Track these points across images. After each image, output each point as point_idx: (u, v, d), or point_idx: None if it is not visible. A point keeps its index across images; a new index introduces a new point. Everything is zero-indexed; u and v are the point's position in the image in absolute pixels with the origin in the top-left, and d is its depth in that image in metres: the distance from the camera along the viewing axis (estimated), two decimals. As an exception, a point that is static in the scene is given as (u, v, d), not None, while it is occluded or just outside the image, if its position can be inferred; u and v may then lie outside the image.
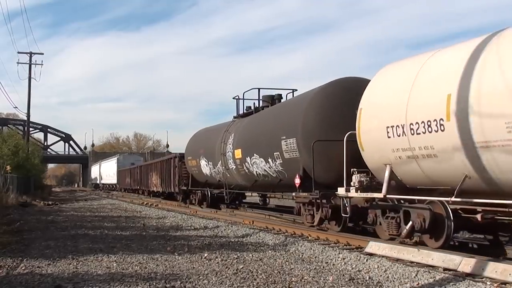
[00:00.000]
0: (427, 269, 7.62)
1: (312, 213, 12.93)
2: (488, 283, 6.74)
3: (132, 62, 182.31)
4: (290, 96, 16.91)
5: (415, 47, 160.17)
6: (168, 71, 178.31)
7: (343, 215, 11.17)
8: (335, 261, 8.92)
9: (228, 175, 18.57)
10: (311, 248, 10.17)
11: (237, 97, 19.10)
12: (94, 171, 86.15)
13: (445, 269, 7.63)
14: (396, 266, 8.03)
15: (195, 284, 7.01)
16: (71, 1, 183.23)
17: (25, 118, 47.93)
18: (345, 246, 10.48)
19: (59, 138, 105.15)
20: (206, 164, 21.03)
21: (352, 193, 10.47)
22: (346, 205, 10.83)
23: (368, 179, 10.32)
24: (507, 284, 6.62)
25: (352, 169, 10.53)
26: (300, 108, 13.13)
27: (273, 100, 17.46)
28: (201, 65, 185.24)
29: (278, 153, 13.89)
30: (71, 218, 18.87)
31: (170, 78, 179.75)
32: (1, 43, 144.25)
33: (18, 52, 46.01)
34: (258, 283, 7.11)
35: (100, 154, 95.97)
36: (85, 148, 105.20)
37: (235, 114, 19.44)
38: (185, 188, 25.52)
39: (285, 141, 13.41)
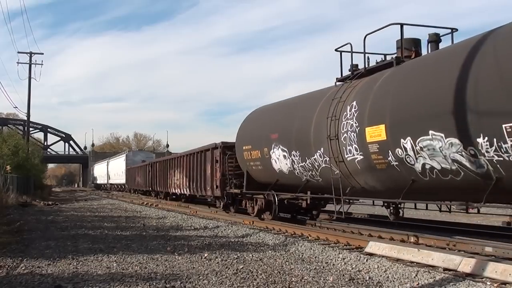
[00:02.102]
0: (427, 269, 7.63)
1: None
2: (488, 283, 6.74)
3: (132, 62, 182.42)
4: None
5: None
6: (168, 71, 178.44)
7: None
8: (335, 261, 8.92)
9: (343, 172, 11.28)
10: (311, 248, 10.18)
11: (341, 50, 12.35)
12: (98, 170, 79.32)
13: (445, 269, 7.64)
14: (396, 266, 8.03)
15: (195, 284, 7.01)
16: (72, 1, 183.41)
17: (25, 118, 47.87)
18: (345, 246, 10.49)
19: (59, 138, 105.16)
20: (284, 156, 13.82)
21: None
22: None
23: None
24: (507, 284, 6.62)
25: None
26: None
27: (418, 46, 11.38)
28: (202, 65, 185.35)
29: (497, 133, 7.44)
30: (71, 218, 18.87)
31: (170, 78, 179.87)
32: (1, 43, 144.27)
33: (18, 52, 46.00)
34: (258, 283, 7.11)
35: (100, 154, 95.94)
36: (85, 148, 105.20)
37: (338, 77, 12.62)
38: (237, 191, 17.44)
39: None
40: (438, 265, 7.86)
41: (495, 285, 6.65)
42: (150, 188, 36.89)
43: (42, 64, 45.83)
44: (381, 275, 7.63)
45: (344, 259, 8.97)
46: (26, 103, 48.39)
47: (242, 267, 8.29)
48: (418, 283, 7.05)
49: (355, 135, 10.66)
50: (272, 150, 14.46)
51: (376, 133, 10.02)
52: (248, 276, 7.61)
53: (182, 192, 26.29)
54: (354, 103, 10.78)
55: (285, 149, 13.76)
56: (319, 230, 12.51)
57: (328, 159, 11.68)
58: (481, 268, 7.19)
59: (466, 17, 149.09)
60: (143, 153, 63.45)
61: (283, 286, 6.95)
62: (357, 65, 12.20)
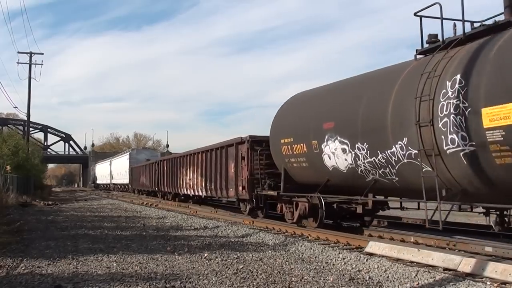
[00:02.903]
0: (427, 269, 7.63)
1: None
2: (488, 283, 6.74)
3: (132, 62, 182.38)
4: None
5: (416, 47, 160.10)
6: (168, 71, 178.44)
7: None
8: (335, 261, 8.92)
9: (438, 169, 8.68)
10: (311, 248, 10.18)
11: (421, 15, 10.40)
12: (100, 169, 76.10)
13: (445, 269, 7.64)
14: (396, 266, 8.03)
15: (195, 284, 7.01)
16: (72, 1, 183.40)
17: (25, 118, 47.86)
18: (345, 246, 10.49)
19: (59, 138, 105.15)
20: (342, 150, 11.18)
21: None
22: None
23: None
24: (507, 284, 6.62)
25: None
26: None
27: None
28: (202, 65, 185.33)
29: None
30: (71, 218, 18.87)
31: (171, 78, 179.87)
32: (1, 43, 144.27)
33: (18, 52, 45.96)
34: (258, 283, 7.12)
35: (100, 154, 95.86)
36: (85, 148, 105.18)
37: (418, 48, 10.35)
38: (272, 193, 14.70)
39: None
40: (438, 265, 7.87)
41: (495, 285, 6.65)
42: (157, 189, 34.18)
43: (42, 64, 45.86)
44: (381, 275, 7.63)
45: (344, 259, 8.97)
46: (26, 103, 48.53)
47: (242, 267, 8.29)
48: (418, 283, 7.05)
49: (462, 119, 8.15)
50: (324, 143, 11.76)
51: (502, 114, 7.47)
52: (248, 276, 7.61)
53: (196, 193, 23.33)
54: (458, 77, 8.36)
55: (345, 141, 11.05)
56: (319, 230, 12.50)
57: (415, 152, 9.12)
58: (481, 268, 7.19)
59: (467, 17, 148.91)
60: (147, 151, 59.26)
61: (283, 286, 6.95)
62: (436, 35, 10.12)
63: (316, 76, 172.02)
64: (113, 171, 62.82)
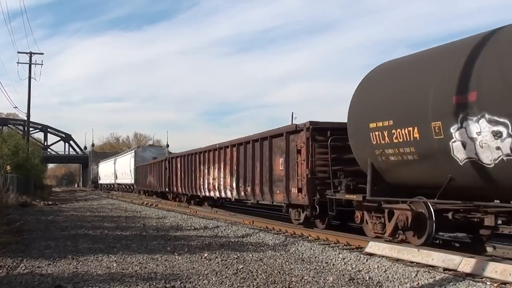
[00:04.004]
0: (427, 269, 7.64)
1: None
2: (488, 283, 6.75)
3: (132, 62, 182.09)
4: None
5: (416, 47, 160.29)
6: (168, 71, 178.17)
7: None
8: (335, 261, 8.93)
9: None
10: (311, 248, 10.18)
11: None
12: (104, 168, 72.26)
13: (445, 269, 7.65)
14: (396, 266, 8.04)
15: (195, 284, 7.01)
16: (72, 1, 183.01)
17: (25, 118, 47.88)
18: (345, 246, 10.49)
19: (59, 138, 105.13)
20: (492, 134, 7.81)
21: None
22: None
23: None
24: (507, 284, 6.63)
25: None
26: None
27: None
28: (202, 65, 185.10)
29: None
30: (71, 218, 18.87)
31: (171, 78, 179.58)
32: (1, 43, 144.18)
33: (18, 52, 45.91)
34: (258, 283, 7.12)
35: (100, 154, 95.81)
36: (85, 148, 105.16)
37: None
38: (353, 196, 11.02)
39: None
40: (438, 265, 7.87)
41: (495, 285, 6.65)
42: (167, 189, 30.35)
43: (42, 64, 45.84)
44: (381, 275, 7.63)
45: (344, 259, 8.97)
46: (26, 103, 48.39)
47: (242, 267, 8.30)
48: (418, 283, 7.06)
49: None
50: (456, 125, 8.27)
51: None
52: (248, 276, 7.61)
53: (223, 195, 19.66)
54: None
55: (502, 121, 7.65)
56: (319, 230, 12.50)
57: None
58: (481, 268, 7.20)
59: (467, 17, 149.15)
60: (154, 148, 54.62)
61: (283, 286, 6.95)
62: None
63: (316, 76, 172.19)
64: (118, 170, 59.12)
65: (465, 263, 7.49)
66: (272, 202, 16.41)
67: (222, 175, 19.47)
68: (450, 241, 10.53)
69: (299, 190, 12.92)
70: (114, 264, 8.66)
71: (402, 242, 9.75)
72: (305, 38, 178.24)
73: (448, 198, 8.97)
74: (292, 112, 49.96)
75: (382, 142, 9.90)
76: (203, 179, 22.14)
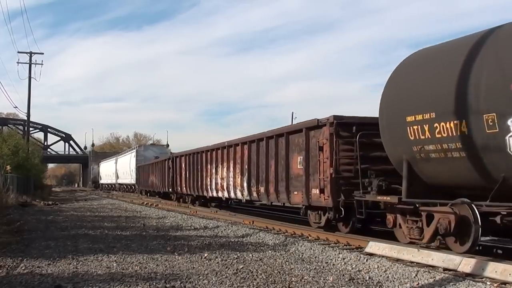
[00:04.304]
0: (427, 269, 7.64)
1: None
2: (488, 283, 6.75)
3: (132, 62, 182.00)
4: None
5: (417, 47, 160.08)
6: (168, 71, 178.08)
7: None
8: (335, 261, 8.93)
9: None
10: (311, 248, 10.18)
11: None
12: (105, 168, 71.11)
13: (445, 269, 7.65)
14: (396, 266, 8.04)
15: (195, 284, 7.01)
16: (72, 1, 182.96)
17: (25, 118, 47.91)
18: (345, 246, 10.50)
19: (59, 138, 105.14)
20: None
21: None
22: None
23: None
24: (507, 284, 6.63)
25: None
26: None
27: None
28: (202, 65, 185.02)
29: None
30: (71, 218, 18.87)
31: (171, 78, 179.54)
32: (1, 43, 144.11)
33: (18, 52, 45.94)
34: (258, 283, 7.12)
35: (100, 154, 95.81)
36: (85, 148, 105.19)
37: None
38: (387, 198, 10.05)
39: None
40: (438, 265, 7.87)
41: (495, 285, 6.65)
42: (171, 190, 29.31)
43: (42, 64, 45.89)
44: (381, 275, 7.63)
45: (344, 259, 8.97)
46: (26, 103, 48.39)
47: (242, 267, 8.30)
48: (418, 283, 7.06)
49: None
50: None
51: None
52: (248, 276, 7.61)
53: (233, 196, 18.74)
54: None
55: None
56: (319, 230, 12.49)
57: None
58: (481, 268, 7.20)
59: (467, 17, 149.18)
60: (155, 147, 53.22)
61: (283, 286, 6.95)
62: None
63: (316, 76, 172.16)
64: (119, 170, 57.94)
65: (465, 263, 7.50)
66: (288, 204, 14.82)
67: (231, 174, 18.44)
68: (491, 247, 9.39)
69: (321, 191, 11.87)
70: (114, 264, 8.66)
71: (440, 249, 8.90)
72: (305, 38, 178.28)
73: (498, 200, 7.88)
74: (292, 112, 50.01)
75: (422, 137, 8.85)
76: (210, 179, 21.08)
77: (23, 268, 8.30)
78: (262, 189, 15.53)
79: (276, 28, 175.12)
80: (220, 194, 20.11)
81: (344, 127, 11.62)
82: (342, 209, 11.37)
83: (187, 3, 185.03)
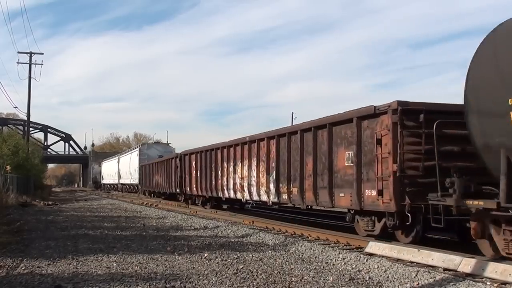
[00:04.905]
0: (427, 269, 7.64)
1: None
2: (488, 283, 6.75)
3: (133, 62, 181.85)
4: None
5: (417, 47, 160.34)
6: (169, 71, 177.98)
7: None
8: (335, 261, 8.93)
9: None
10: (311, 248, 10.18)
11: None
12: (107, 168, 69.16)
13: (445, 269, 7.65)
14: (396, 266, 8.04)
15: (195, 284, 7.01)
16: (73, 1, 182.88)
17: (25, 118, 47.88)
18: (345, 246, 10.49)
19: (59, 138, 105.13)
20: None
21: None
22: None
23: None
24: (507, 284, 6.63)
25: None
26: None
27: None
28: (202, 65, 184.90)
29: None
30: (71, 218, 18.87)
31: (171, 78, 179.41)
32: (1, 43, 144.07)
33: (18, 52, 45.87)
34: (258, 283, 7.12)
35: (100, 154, 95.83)
36: (85, 148, 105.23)
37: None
38: (481, 203, 7.94)
39: None
40: (438, 265, 7.87)
41: (495, 285, 6.66)
42: (178, 190, 27.45)
43: (42, 64, 45.79)
44: (381, 275, 7.63)
45: (344, 259, 8.97)
46: (26, 103, 48.44)
47: (242, 267, 8.30)
48: (418, 283, 7.06)
49: None
50: None
51: None
52: (248, 276, 7.61)
53: (256, 198, 16.56)
54: None
55: None
56: (319, 230, 12.49)
57: None
58: (481, 268, 7.20)
59: (467, 17, 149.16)
60: (159, 146, 50.30)
61: (283, 286, 6.95)
62: None
63: (316, 76, 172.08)
64: (121, 170, 55.93)
65: (465, 263, 7.50)
66: (331, 208, 12.60)
67: (254, 173, 16.37)
68: None
69: (379, 193, 10.01)
70: (114, 264, 8.66)
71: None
72: (306, 38, 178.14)
73: None
74: (292, 112, 49.97)
75: None
76: (227, 178, 19.02)
77: (23, 268, 8.29)
78: (295, 191, 13.52)
79: (276, 28, 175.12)
80: (239, 196, 17.98)
81: (410, 115, 9.75)
82: (409, 215, 9.39)
83: (187, 3, 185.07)
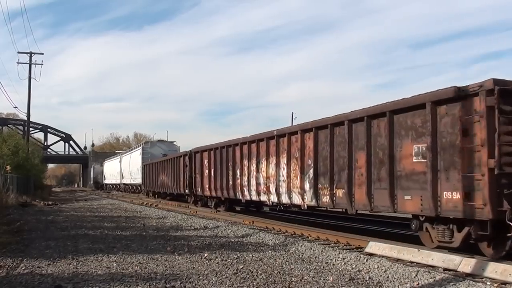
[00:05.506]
0: (427, 269, 7.64)
1: None
2: (488, 283, 6.75)
3: (133, 62, 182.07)
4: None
5: (417, 47, 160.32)
6: (169, 71, 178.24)
7: None
8: (335, 261, 8.93)
9: None
10: (311, 248, 10.18)
11: None
12: (109, 167, 67.05)
13: (445, 269, 7.65)
14: (396, 266, 8.04)
15: (195, 284, 7.01)
16: (73, 1, 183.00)
17: (25, 118, 47.90)
18: (345, 246, 10.49)
19: (59, 138, 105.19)
20: None
21: None
22: None
23: None
24: (507, 284, 6.63)
25: None
26: None
27: None
28: (203, 64, 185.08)
29: None
30: (71, 218, 18.87)
31: (172, 78, 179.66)
32: (1, 43, 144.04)
33: (18, 52, 45.94)
34: (258, 283, 7.12)
35: (100, 154, 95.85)
36: (85, 148, 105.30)
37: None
38: None
39: None
40: (438, 265, 7.87)
41: (495, 285, 6.66)
42: (188, 191, 25.35)
43: (42, 64, 45.85)
44: (381, 275, 7.63)
45: (344, 259, 8.97)
46: (26, 103, 48.57)
47: (242, 267, 8.30)
48: (418, 283, 7.06)
49: None
50: None
51: None
52: (248, 276, 7.61)
53: (287, 201, 14.16)
54: None
55: None
56: (319, 230, 12.49)
57: None
58: (481, 268, 7.20)
59: (467, 17, 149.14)
60: (163, 144, 47.14)
61: (283, 286, 6.95)
62: None
63: (317, 76, 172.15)
64: (124, 169, 53.75)
65: (465, 263, 7.50)
66: (391, 213, 10.39)
67: (283, 172, 14.30)
68: None
69: (466, 196, 8.09)
70: (114, 264, 8.66)
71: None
72: (306, 38, 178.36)
73: None
74: (292, 112, 49.91)
75: None
76: (248, 178, 16.84)
77: (23, 268, 8.30)
78: (339, 193, 11.54)
79: (277, 28, 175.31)
80: (263, 198, 15.79)
81: (509, 98, 7.86)
82: (510, 223, 7.41)
83: (188, 3, 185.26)
